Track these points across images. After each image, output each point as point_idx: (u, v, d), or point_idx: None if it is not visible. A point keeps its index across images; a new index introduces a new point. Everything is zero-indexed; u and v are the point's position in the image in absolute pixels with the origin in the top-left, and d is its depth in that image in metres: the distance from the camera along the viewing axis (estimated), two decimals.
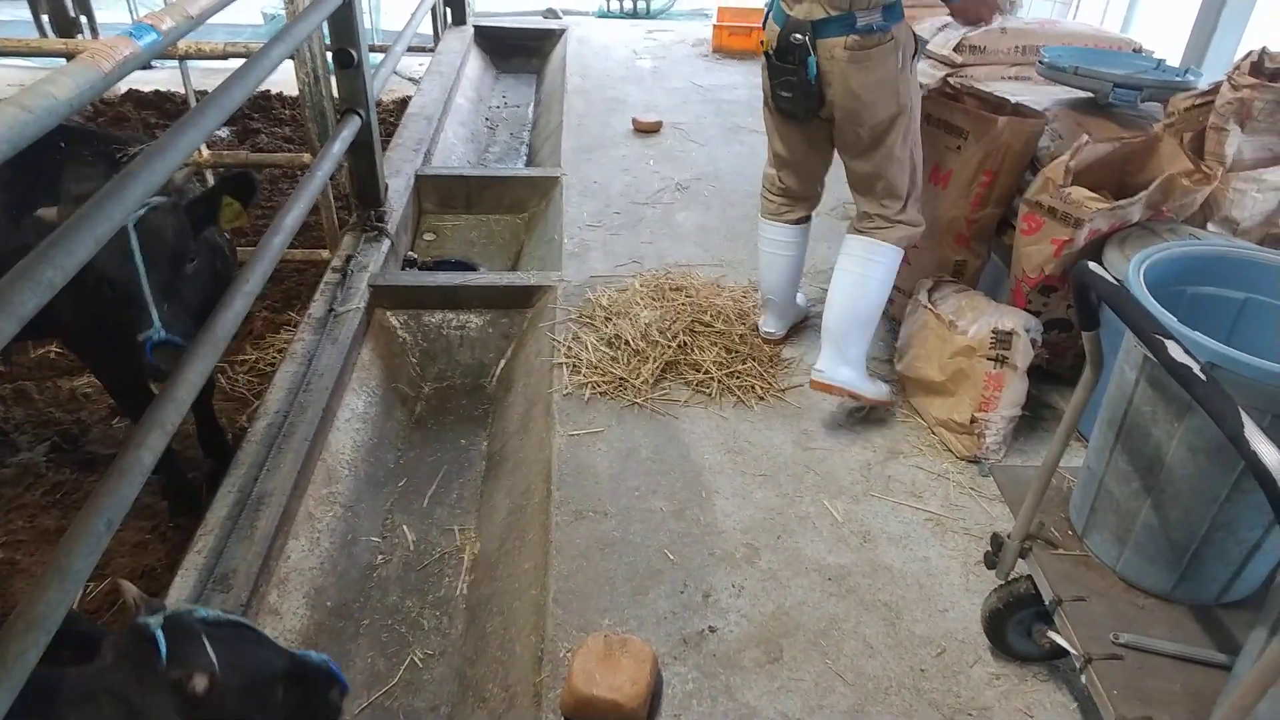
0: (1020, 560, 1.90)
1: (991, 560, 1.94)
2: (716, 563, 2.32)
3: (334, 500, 2.62)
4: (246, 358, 3.79)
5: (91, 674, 1.37)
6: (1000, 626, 2.00)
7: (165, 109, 6.21)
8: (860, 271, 2.71)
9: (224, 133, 5.80)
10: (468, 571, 2.56)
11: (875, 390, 2.83)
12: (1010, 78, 3.58)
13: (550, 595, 2.16)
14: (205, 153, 3.83)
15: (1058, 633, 1.77)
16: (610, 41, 7.39)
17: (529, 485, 2.61)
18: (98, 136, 2.58)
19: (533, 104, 6.46)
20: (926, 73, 3.62)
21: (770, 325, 3.19)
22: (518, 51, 7.30)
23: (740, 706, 1.95)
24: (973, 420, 2.62)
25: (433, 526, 2.75)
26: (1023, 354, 2.56)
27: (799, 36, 2.40)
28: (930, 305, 2.79)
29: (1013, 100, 2.92)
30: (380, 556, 2.63)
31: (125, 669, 1.37)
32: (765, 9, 2.58)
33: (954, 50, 3.61)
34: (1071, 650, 1.69)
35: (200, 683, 1.35)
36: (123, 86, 6.26)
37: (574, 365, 3.01)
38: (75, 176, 2.34)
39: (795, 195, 2.92)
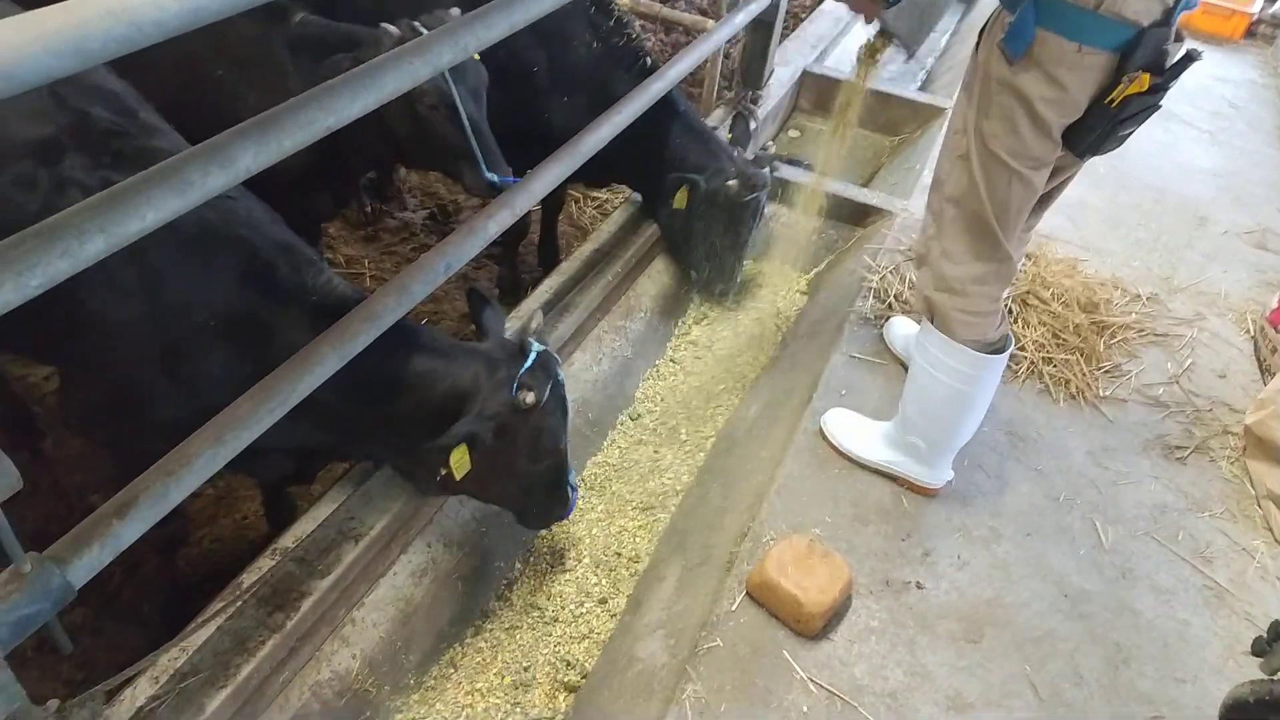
0: None
1: (1262, 648, 1.67)
2: (951, 530, 2.22)
3: (623, 333, 2.85)
4: (599, 195, 4.13)
5: (471, 345, 1.80)
6: None
7: None
8: None
9: None
10: (711, 441, 2.69)
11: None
12: None
13: (774, 487, 2.22)
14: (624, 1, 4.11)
15: None
16: None
17: (793, 386, 2.65)
18: None
19: (949, 33, 6.07)
20: None
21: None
22: None
23: (916, 664, 1.90)
24: None
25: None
26: None
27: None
28: None
29: None
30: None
31: (497, 355, 1.78)
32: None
33: None
34: None
35: (527, 397, 1.70)
36: None
37: (881, 294, 2.93)
38: None
39: None
